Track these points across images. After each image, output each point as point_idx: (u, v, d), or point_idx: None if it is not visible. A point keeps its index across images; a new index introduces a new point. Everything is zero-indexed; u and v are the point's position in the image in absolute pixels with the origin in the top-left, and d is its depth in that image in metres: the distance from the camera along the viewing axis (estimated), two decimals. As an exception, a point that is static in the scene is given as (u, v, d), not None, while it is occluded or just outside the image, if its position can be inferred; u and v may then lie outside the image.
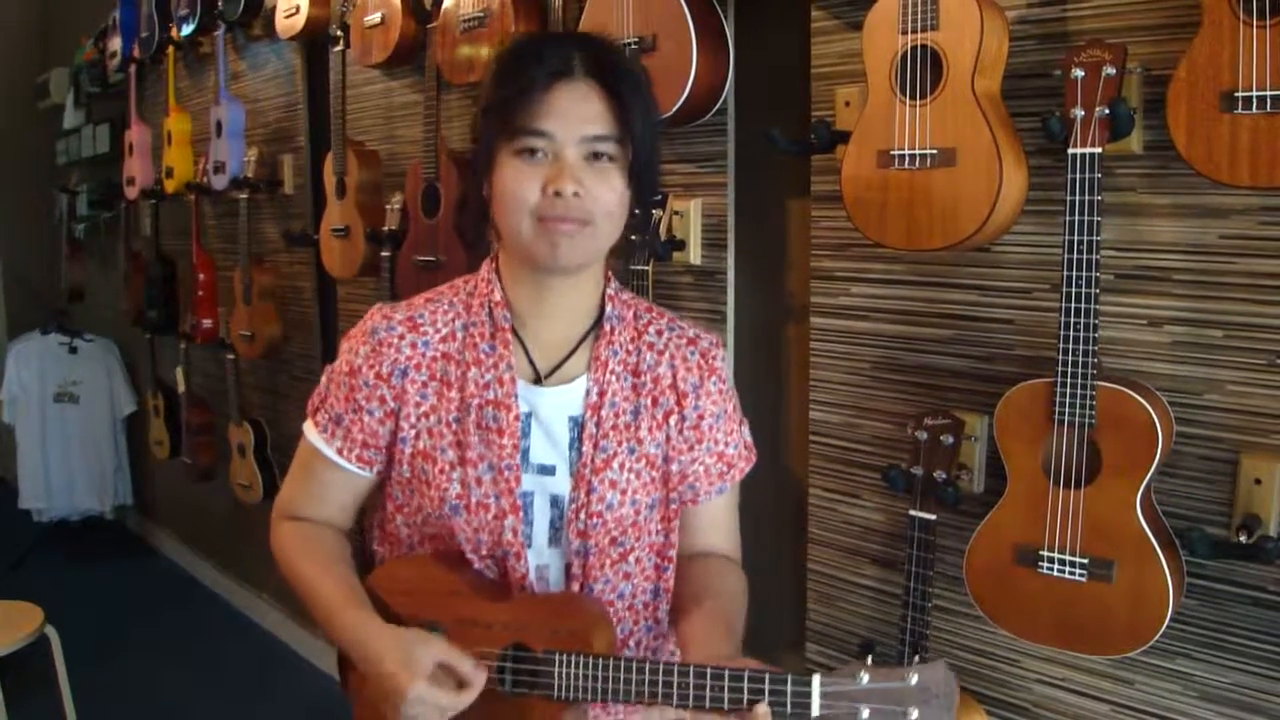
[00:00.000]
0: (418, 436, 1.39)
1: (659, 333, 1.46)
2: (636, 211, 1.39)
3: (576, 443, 1.40)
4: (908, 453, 1.76)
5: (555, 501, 1.40)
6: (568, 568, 1.40)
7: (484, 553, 1.38)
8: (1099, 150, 1.49)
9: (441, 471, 1.37)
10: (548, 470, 1.40)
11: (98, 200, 5.54)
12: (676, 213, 2.25)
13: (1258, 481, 1.56)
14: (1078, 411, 1.54)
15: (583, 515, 1.38)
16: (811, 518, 2.15)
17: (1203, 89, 1.41)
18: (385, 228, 2.94)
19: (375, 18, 2.87)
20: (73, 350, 5.45)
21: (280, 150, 3.74)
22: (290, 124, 3.69)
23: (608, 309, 1.43)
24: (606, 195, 1.29)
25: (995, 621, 1.70)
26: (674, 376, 1.43)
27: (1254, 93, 1.37)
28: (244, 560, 4.58)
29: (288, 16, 3.31)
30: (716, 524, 1.52)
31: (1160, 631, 1.53)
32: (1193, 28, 1.44)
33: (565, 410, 1.40)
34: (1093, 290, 1.50)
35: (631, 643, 1.46)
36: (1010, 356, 1.81)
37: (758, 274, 2.27)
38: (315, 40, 3.36)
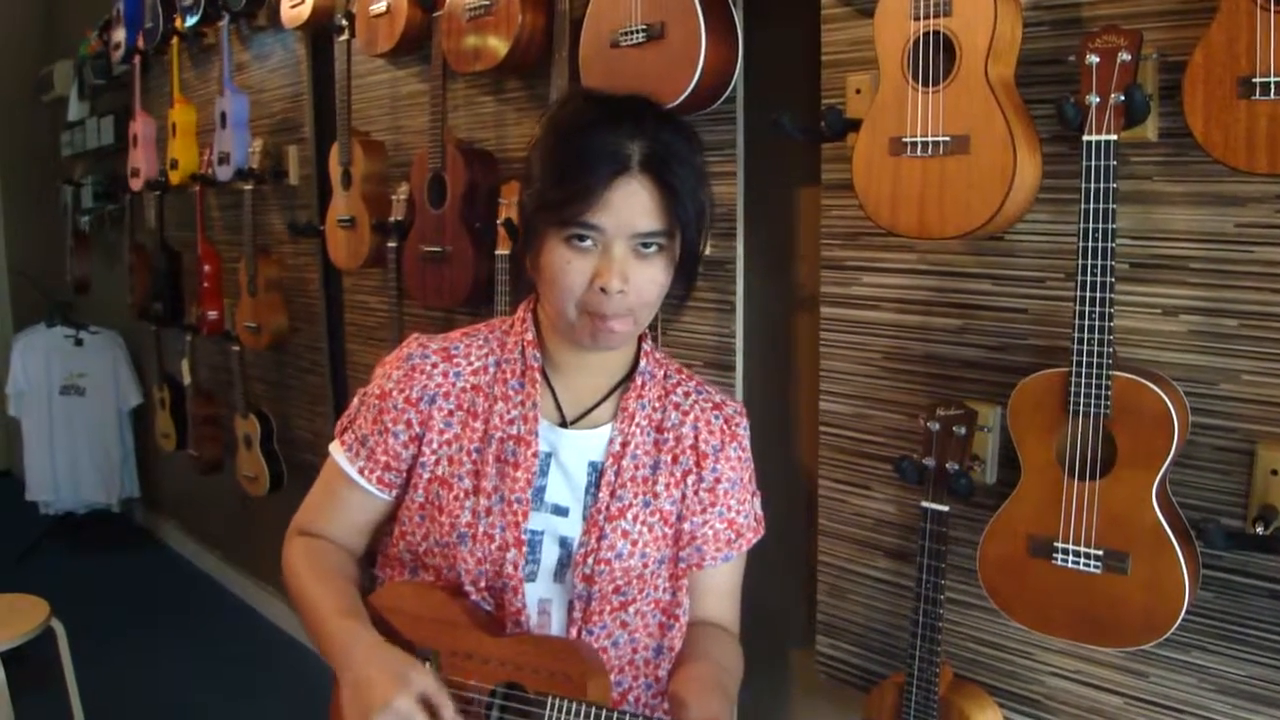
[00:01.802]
0: (437, 463, 1.42)
1: (686, 394, 1.49)
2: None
3: (593, 488, 1.42)
4: (920, 444, 1.74)
5: (563, 543, 1.41)
6: (570, 606, 1.41)
7: (483, 585, 1.39)
8: (1114, 137, 1.47)
9: (455, 499, 1.40)
10: (561, 511, 1.42)
11: (103, 192, 5.53)
12: (685, 202, 2.22)
13: (1274, 472, 1.54)
14: (1093, 402, 1.53)
15: (589, 560, 1.39)
16: (822, 509, 2.14)
17: (1219, 75, 1.39)
18: (391, 218, 2.93)
19: (381, 6, 2.86)
20: (78, 343, 5.45)
21: (285, 141, 3.73)
22: (295, 114, 3.68)
23: (641, 364, 1.46)
24: (649, 289, 1.31)
25: (1008, 614, 1.69)
26: (696, 437, 1.46)
27: (1272, 78, 1.35)
28: (250, 552, 4.58)
29: (293, 6, 3.30)
30: (719, 592, 1.54)
31: (1176, 624, 1.52)
32: (1209, 13, 1.42)
33: (586, 455, 1.43)
34: (1108, 279, 1.49)
35: (630, 698, 1.46)
36: (1024, 346, 1.80)
37: (767, 263, 2.25)
38: (320, 30, 3.34)
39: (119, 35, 4.68)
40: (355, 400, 1.51)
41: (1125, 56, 1.47)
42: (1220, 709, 1.63)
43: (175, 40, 4.20)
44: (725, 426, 1.48)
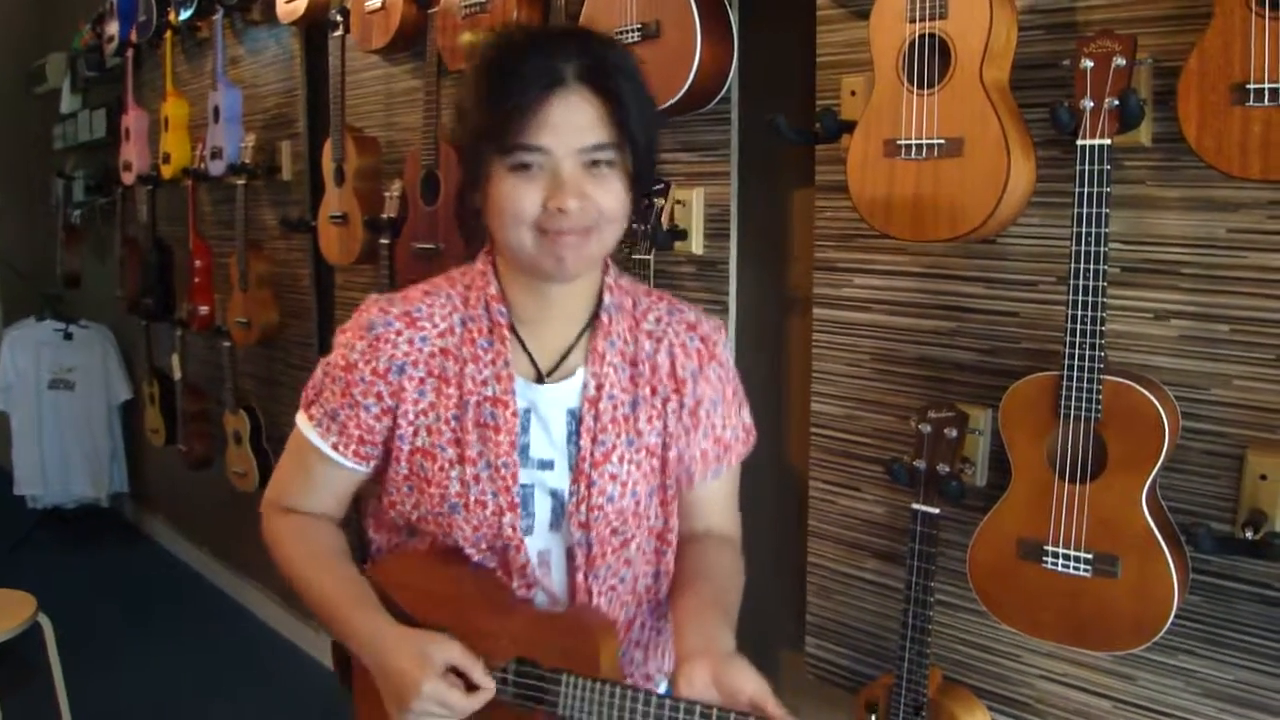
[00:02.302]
0: (416, 434, 1.38)
1: (658, 319, 1.44)
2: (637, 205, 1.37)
3: (574, 436, 1.39)
4: (910, 446, 1.74)
5: (554, 495, 1.39)
6: (569, 553, 1.40)
7: (483, 546, 1.38)
8: (1108, 142, 1.48)
9: (441, 469, 1.36)
10: (546, 465, 1.39)
11: (94, 186, 5.51)
12: (679, 202, 2.23)
13: (1263, 477, 1.54)
14: (1084, 405, 1.53)
15: (583, 509, 1.37)
16: (812, 510, 2.14)
17: (1214, 81, 1.40)
18: (384, 215, 2.92)
19: (376, 3, 2.85)
20: (68, 337, 5.43)
21: (278, 136, 3.72)
22: (289, 110, 3.67)
23: (605, 299, 1.41)
24: (609, 201, 1.27)
25: (998, 617, 1.69)
26: (672, 364, 1.42)
27: (1266, 85, 1.35)
28: (239, 548, 4.57)
29: (288, 1, 3.29)
30: (713, 505, 1.52)
31: (1164, 628, 1.52)
32: (1204, 19, 1.42)
33: (563, 404, 1.39)
34: (1100, 283, 1.49)
35: (636, 625, 1.47)
36: (1015, 349, 1.80)
37: (760, 264, 2.25)
38: (315, 25, 3.33)
39: (112, 28, 4.67)
40: (319, 371, 1.44)
41: (1120, 61, 1.47)
42: (1208, 713, 1.64)
43: (168, 34, 4.18)
44: (702, 347, 1.44)
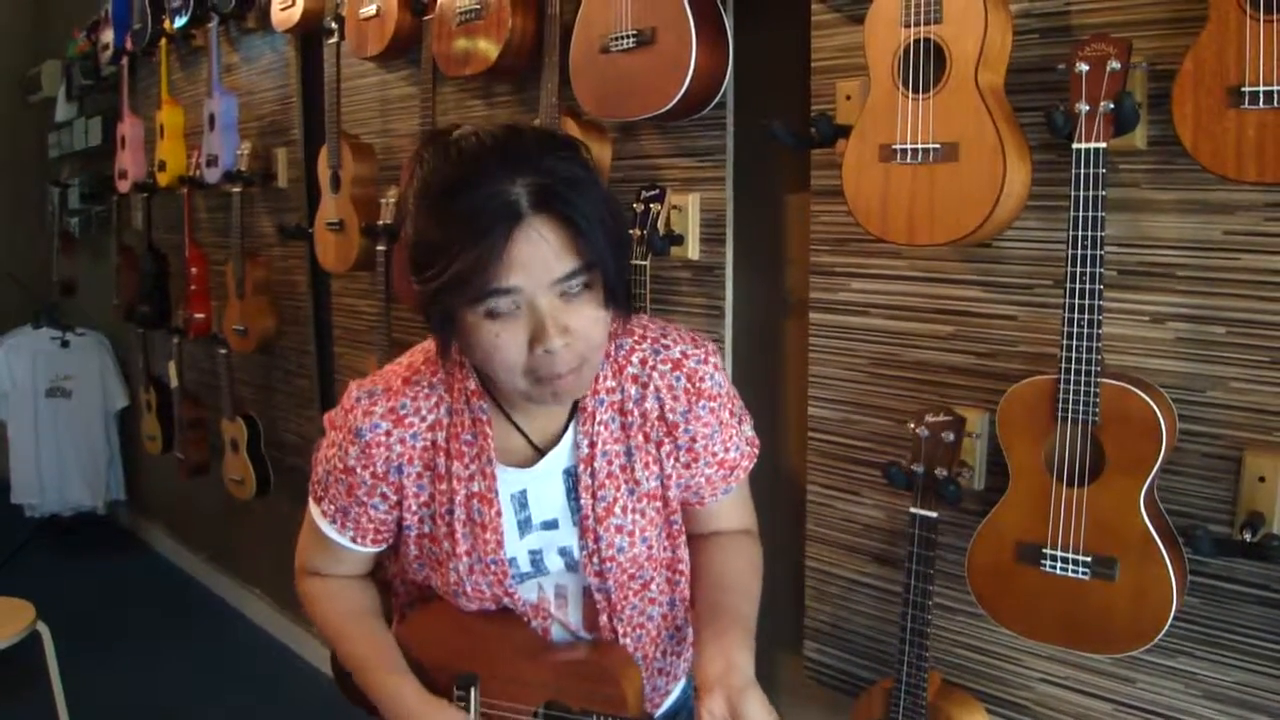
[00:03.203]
0: (420, 522, 1.41)
1: (642, 362, 1.40)
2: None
3: (573, 494, 1.40)
4: (908, 449, 1.74)
5: (564, 552, 1.42)
6: (588, 594, 1.44)
7: (490, 608, 1.44)
8: (1103, 145, 1.48)
9: (440, 561, 1.41)
10: (550, 525, 1.41)
11: (90, 193, 5.51)
12: (675, 207, 2.23)
13: (1261, 479, 1.54)
14: (1081, 408, 1.53)
15: (595, 560, 1.40)
16: (810, 515, 2.14)
17: (1209, 84, 1.40)
18: (380, 222, 2.92)
19: (371, 10, 2.85)
20: (64, 344, 5.42)
21: (274, 143, 3.72)
22: (284, 117, 3.67)
23: None
24: (592, 329, 1.23)
25: (997, 620, 1.69)
26: (661, 409, 1.40)
27: (1261, 88, 1.35)
28: (236, 555, 4.57)
29: (283, 9, 3.29)
30: (727, 511, 1.53)
31: (1163, 630, 1.52)
32: (1199, 22, 1.42)
33: (556, 467, 1.40)
34: (1097, 286, 1.49)
35: (656, 652, 1.52)
36: (1013, 353, 1.80)
37: (756, 269, 2.25)
38: (310, 32, 3.33)
39: (107, 36, 4.67)
40: (320, 468, 1.44)
41: (1115, 65, 1.47)
42: (1207, 715, 1.64)
43: (164, 41, 4.18)
44: (689, 385, 1.40)
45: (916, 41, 1.63)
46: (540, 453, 1.40)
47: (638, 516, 1.40)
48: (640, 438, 1.40)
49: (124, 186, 4.55)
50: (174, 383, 4.41)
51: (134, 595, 4.88)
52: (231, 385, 3.99)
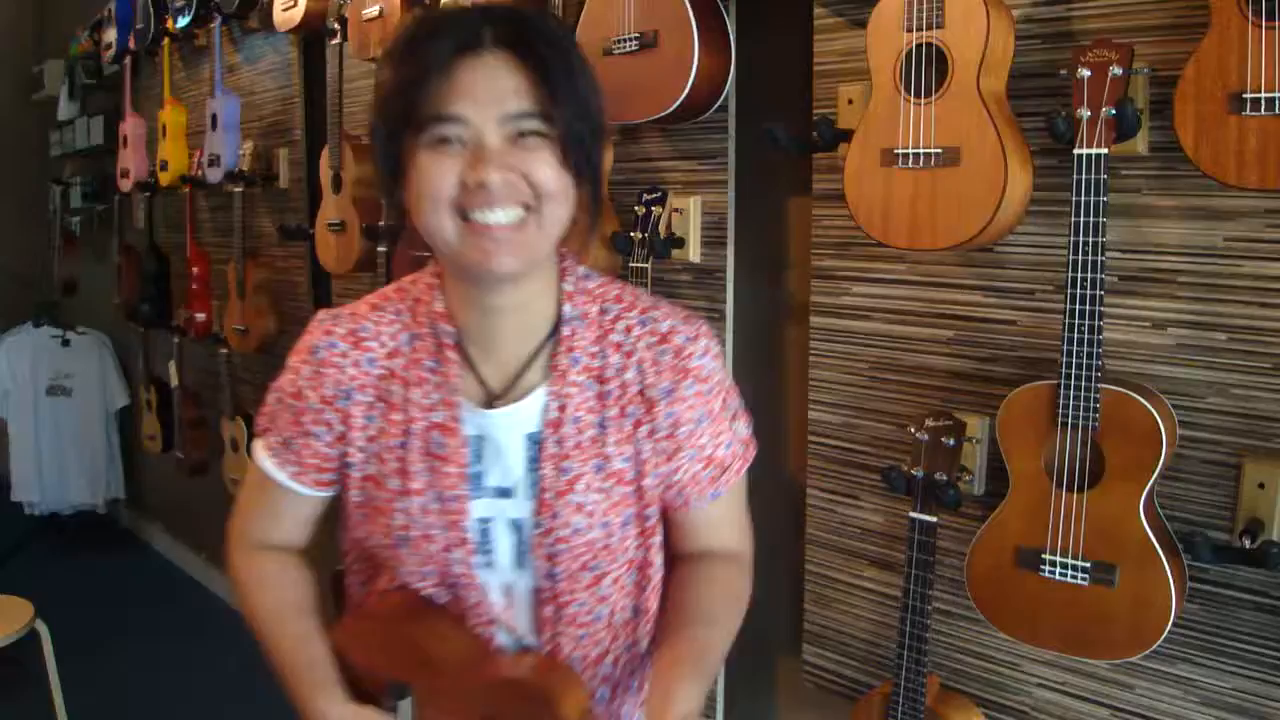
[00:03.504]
0: (366, 461, 1.29)
1: (628, 329, 1.28)
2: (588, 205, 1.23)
3: (535, 463, 1.26)
4: (908, 454, 1.74)
5: (516, 526, 1.27)
6: (537, 591, 1.29)
7: (433, 581, 1.29)
8: (1105, 151, 1.48)
9: (388, 500, 1.27)
10: (504, 493, 1.27)
11: (91, 193, 5.51)
12: (676, 210, 2.23)
13: (1261, 486, 1.54)
14: (1081, 414, 1.53)
15: (548, 540, 1.25)
16: (809, 518, 2.14)
17: (1210, 90, 1.40)
18: (381, 222, 2.92)
19: (373, 11, 2.85)
20: (65, 343, 5.43)
21: (276, 144, 3.72)
22: (286, 117, 3.67)
23: (566, 309, 1.28)
24: (542, 173, 1.13)
25: (996, 625, 1.69)
26: (642, 382, 1.27)
27: (1262, 94, 1.35)
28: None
29: (285, 9, 3.29)
30: (715, 525, 1.37)
31: (1162, 636, 1.52)
32: (1200, 28, 1.42)
33: (521, 429, 1.27)
34: (1097, 292, 1.49)
35: (608, 660, 1.35)
36: (1013, 358, 1.80)
37: (758, 273, 2.25)
38: (312, 33, 3.33)
39: (110, 35, 4.67)
40: (271, 396, 1.36)
41: (1116, 70, 1.47)
42: (1205, 722, 1.64)
43: (166, 41, 4.19)
44: (675, 361, 1.27)
45: (919, 46, 1.63)
46: (494, 397, 1.27)
47: (600, 497, 1.25)
48: (616, 410, 1.27)
49: (126, 186, 4.55)
50: (174, 382, 4.41)
51: (133, 594, 4.87)
52: (232, 385, 3.99)
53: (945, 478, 1.69)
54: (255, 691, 3.85)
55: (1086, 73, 1.49)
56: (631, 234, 2.11)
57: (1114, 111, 1.47)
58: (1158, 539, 1.52)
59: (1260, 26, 1.35)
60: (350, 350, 1.28)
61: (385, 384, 1.28)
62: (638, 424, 1.27)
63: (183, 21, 3.94)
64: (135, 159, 4.47)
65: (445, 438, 1.25)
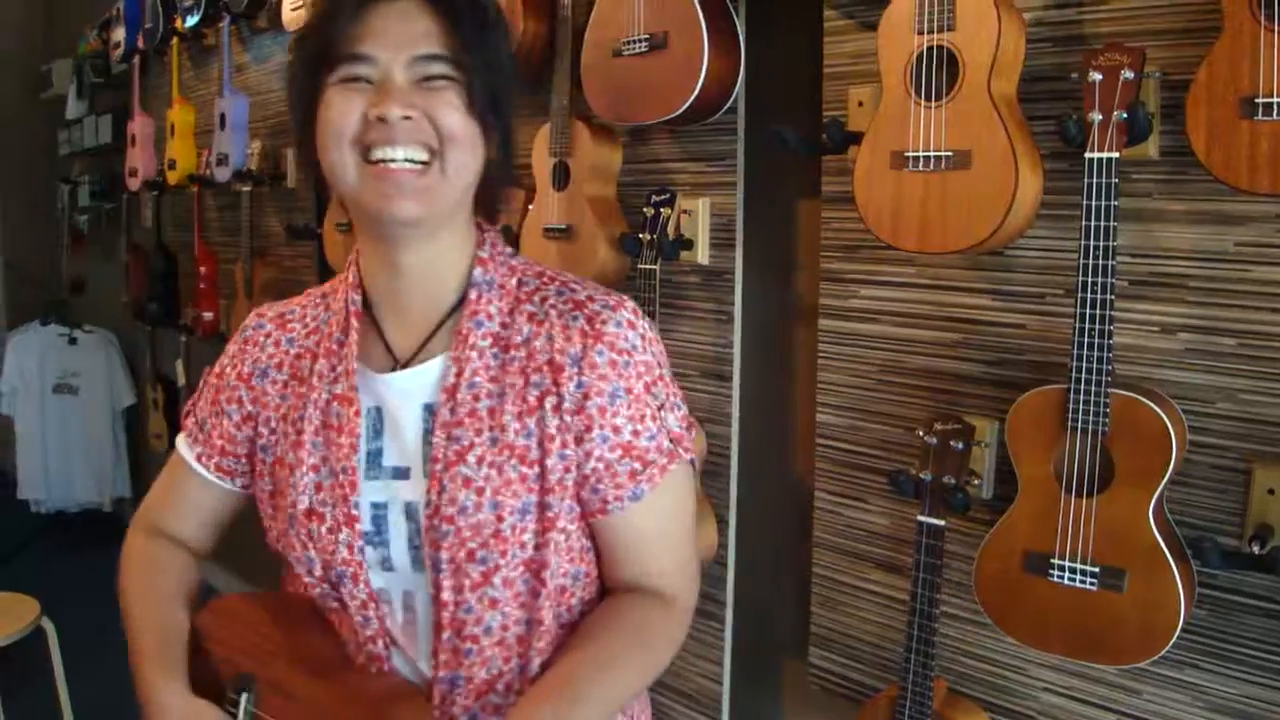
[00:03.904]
0: (276, 442, 1.24)
1: (544, 300, 1.20)
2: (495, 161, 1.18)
3: (428, 434, 1.17)
4: (916, 457, 1.74)
5: (410, 511, 1.17)
6: (436, 596, 1.16)
7: (318, 573, 1.19)
8: (1116, 155, 1.47)
9: (287, 479, 1.20)
10: (401, 474, 1.18)
11: (99, 191, 5.52)
12: (685, 212, 2.23)
13: (1270, 491, 1.54)
14: (1091, 419, 1.53)
15: (435, 522, 1.13)
16: (817, 521, 2.13)
17: (1222, 94, 1.40)
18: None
19: (382, 11, 2.85)
20: (72, 341, 5.43)
21: (284, 143, 3.72)
22: (295, 117, 3.66)
23: (476, 273, 1.20)
24: (448, 116, 1.10)
25: (1003, 629, 1.69)
26: (551, 348, 1.17)
27: (1275, 99, 1.35)
28: (239, 554, 4.55)
29: (294, 9, 3.29)
30: (644, 545, 1.22)
31: (1171, 642, 1.52)
32: (1213, 32, 1.42)
33: (419, 398, 1.18)
34: (1108, 296, 1.49)
35: (499, 685, 1.19)
36: (1022, 362, 1.80)
37: (766, 275, 2.25)
38: (321, 33, 3.33)
39: (119, 34, 4.68)
40: (201, 380, 1.35)
41: (1128, 74, 1.47)
42: (1214, 728, 1.63)
43: (175, 40, 4.20)
44: (587, 326, 1.17)
45: (929, 49, 1.63)
46: (399, 365, 1.21)
47: (493, 473, 1.13)
48: (519, 380, 1.16)
49: (134, 184, 4.56)
50: (181, 381, 4.42)
51: (139, 593, 4.88)
52: (239, 384, 3.98)
53: (954, 481, 1.69)
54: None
55: (1098, 76, 1.48)
56: (640, 235, 2.11)
57: (1125, 115, 1.47)
58: (1167, 544, 1.51)
59: (1274, 31, 1.35)
60: (274, 330, 1.29)
61: (299, 362, 1.25)
62: (543, 395, 1.16)
63: (191, 21, 3.95)
64: (143, 158, 4.47)
65: (341, 407, 1.19)
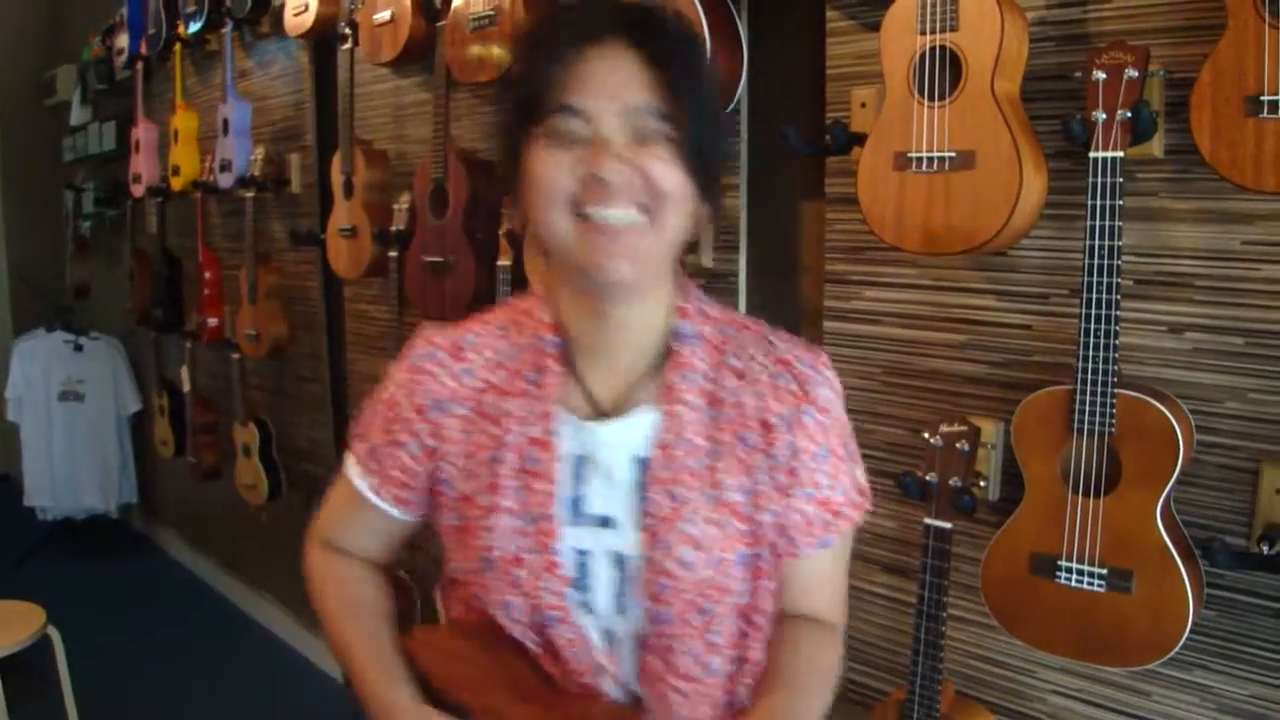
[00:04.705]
0: (461, 478, 1.20)
1: (751, 356, 1.21)
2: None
3: (642, 488, 1.16)
4: (922, 459, 1.73)
5: (618, 561, 1.16)
6: (643, 639, 1.17)
7: (521, 617, 1.17)
8: (1120, 154, 1.47)
9: (478, 519, 1.18)
10: (606, 522, 1.17)
11: (104, 198, 5.52)
12: (688, 214, 2.22)
13: (1279, 491, 1.53)
14: (1097, 419, 1.52)
15: (655, 576, 1.14)
16: (823, 524, 2.12)
17: (1227, 92, 1.39)
18: (393, 228, 2.92)
19: (384, 15, 2.85)
20: (78, 348, 5.43)
21: (287, 149, 3.72)
22: (298, 122, 3.67)
23: (684, 325, 1.20)
24: (664, 173, 1.07)
25: (1011, 631, 1.68)
26: (761, 407, 1.18)
27: (1280, 97, 1.34)
28: (247, 560, 4.57)
29: (296, 14, 3.29)
30: (817, 583, 1.26)
31: (1180, 643, 1.51)
32: (1217, 30, 1.41)
33: (628, 450, 1.17)
34: (1113, 296, 1.48)
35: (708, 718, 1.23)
36: (1028, 363, 1.79)
37: (770, 277, 2.24)
38: (324, 38, 3.34)
39: (122, 40, 4.69)
40: (368, 405, 1.30)
41: (1132, 73, 1.46)
42: (1224, 729, 1.62)
43: (178, 46, 4.19)
44: (797, 388, 1.19)
45: (932, 49, 1.63)
46: (602, 413, 1.19)
47: (714, 530, 1.14)
48: (730, 436, 1.17)
49: (138, 191, 4.56)
50: (186, 387, 4.42)
51: (145, 599, 4.88)
52: (243, 390, 3.99)
53: (960, 483, 1.68)
54: (266, 695, 3.86)
55: (1102, 75, 1.48)
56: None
57: (1129, 114, 1.46)
58: (1175, 545, 1.51)
59: (1278, 29, 1.34)
60: (448, 360, 1.22)
61: (483, 397, 1.20)
62: (755, 453, 1.18)
63: (194, 27, 3.95)
64: (147, 164, 4.48)
65: (540, 453, 1.16)
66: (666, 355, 1.19)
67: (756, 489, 1.17)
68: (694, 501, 1.15)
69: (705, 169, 1.11)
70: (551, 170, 1.07)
